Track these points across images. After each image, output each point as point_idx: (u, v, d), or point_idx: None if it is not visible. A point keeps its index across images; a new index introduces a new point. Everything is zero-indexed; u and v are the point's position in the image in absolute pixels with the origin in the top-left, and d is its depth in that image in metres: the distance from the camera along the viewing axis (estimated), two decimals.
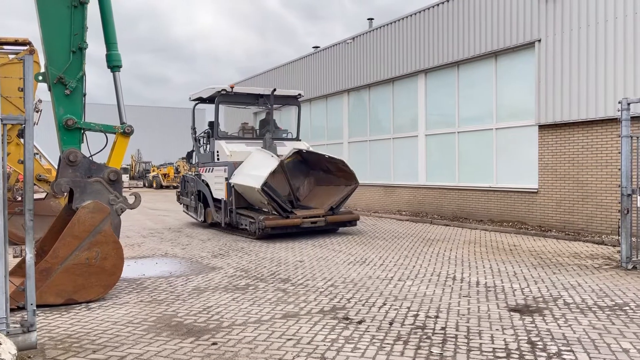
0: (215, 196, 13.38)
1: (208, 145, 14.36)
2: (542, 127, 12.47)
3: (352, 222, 12.68)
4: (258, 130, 14.93)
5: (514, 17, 13.04)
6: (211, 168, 13.61)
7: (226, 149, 12.97)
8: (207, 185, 13.78)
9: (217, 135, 13.67)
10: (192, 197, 14.88)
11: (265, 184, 11.14)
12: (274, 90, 13.85)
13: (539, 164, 12.55)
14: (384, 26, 17.73)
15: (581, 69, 11.56)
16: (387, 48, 17.55)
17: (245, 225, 12.06)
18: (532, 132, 12.79)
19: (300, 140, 14.60)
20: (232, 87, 13.34)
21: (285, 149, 13.16)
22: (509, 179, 13.50)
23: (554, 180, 12.22)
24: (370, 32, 18.47)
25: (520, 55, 13.18)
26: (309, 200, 12.94)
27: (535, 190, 12.62)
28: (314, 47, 22.61)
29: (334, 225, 12.42)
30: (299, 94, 14.45)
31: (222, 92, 13.28)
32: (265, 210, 11.98)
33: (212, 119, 13.91)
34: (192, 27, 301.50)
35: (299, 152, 12.81)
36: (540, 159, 12.52)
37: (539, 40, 12.42)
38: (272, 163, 11.54)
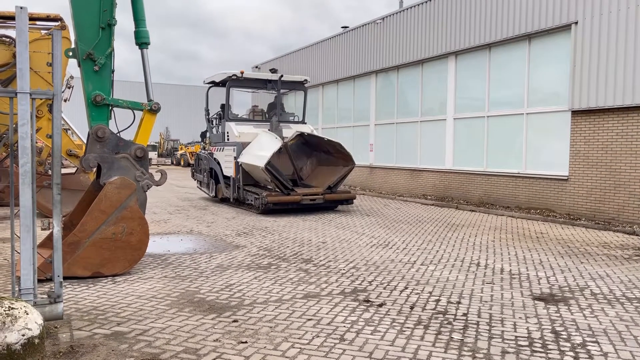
0: (225, 173, 14.29)
1: (220, 126, 15.36)
2: (575, 113, 12.12)
3: (349, 200, 13.55)
4: (267, 114, 15.87)
5: None
6: (222, 148, 14.53)
7: (235, 130, 13.97)
8: (219, 163, 14.71)
9: (227, 117, 14.68)
10: (205, 174, 16.03)
11: (268, 163, 11.98)
12: (281, 76, 14.84)
13: (570, 150, 12.23)
14: (414, 6, 17.37)
15: (619, 53, 11.14)
16: (417, 29, 17.22)
17: (251, 200, 12.99)
18: (565, 117, 12.44)
19: (305, 123, 15.41)
20: (242, 73, 14.25)
21: (290, 131, 13.94)
22: (538, 166, 13.20)
23: (585, 168, 11.90)
24: (400, 12, 18.13)
25: (555, 38, 12.77)
26: (311, 179, 13.85)
27: (566, 178, 12.32)
28: (342, 27, 22.35)
29: (331, 203, 13.24)
30: (305, 80, 15.45)
31: (233, 77, 14.24)
32: (269, 187, 12.91)
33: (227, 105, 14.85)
34: (225, 1, 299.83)
35: (301, 135, 13.52)
36: (572, 145, 12.19)
37: (576, 23, 11.99)
38: (275, 144, 12.41)
